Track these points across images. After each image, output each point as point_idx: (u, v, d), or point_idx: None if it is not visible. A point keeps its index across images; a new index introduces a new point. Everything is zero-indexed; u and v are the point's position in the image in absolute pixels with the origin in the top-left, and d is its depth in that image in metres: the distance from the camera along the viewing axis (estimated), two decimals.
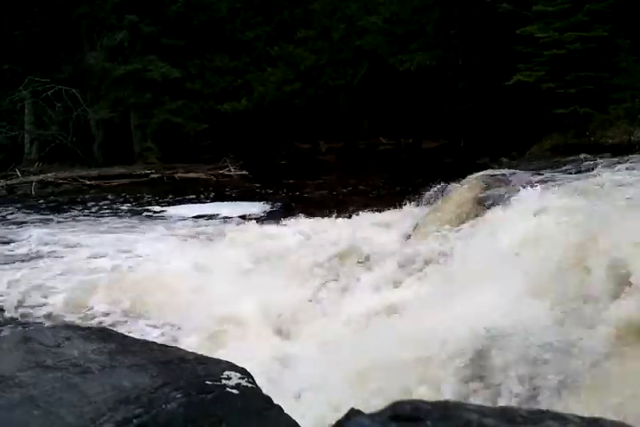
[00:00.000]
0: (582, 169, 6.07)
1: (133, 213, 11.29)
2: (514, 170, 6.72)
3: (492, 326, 3.10)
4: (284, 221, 8.35)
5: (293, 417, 1.74)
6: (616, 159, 6.24)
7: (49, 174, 15.07)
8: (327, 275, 5.85)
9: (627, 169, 5.16)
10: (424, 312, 3.85)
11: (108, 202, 12.59)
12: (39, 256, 7.79)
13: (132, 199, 12.83)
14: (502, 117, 12.32)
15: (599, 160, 6.40)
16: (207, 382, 1.78)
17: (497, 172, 6.68)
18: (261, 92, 16.29)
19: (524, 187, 5.12)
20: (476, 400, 2.86)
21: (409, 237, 6.24)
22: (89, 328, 2.43)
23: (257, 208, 11.02)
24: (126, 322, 5.36)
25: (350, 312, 4.88)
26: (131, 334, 2.61)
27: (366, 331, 4.22)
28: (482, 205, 5.34)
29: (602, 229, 3.39)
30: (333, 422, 1.16)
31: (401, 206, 7.88)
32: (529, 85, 9.71)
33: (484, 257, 4.21)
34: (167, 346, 2.23)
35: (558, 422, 1.09)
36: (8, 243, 8.58)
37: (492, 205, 5.11)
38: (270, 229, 8.22)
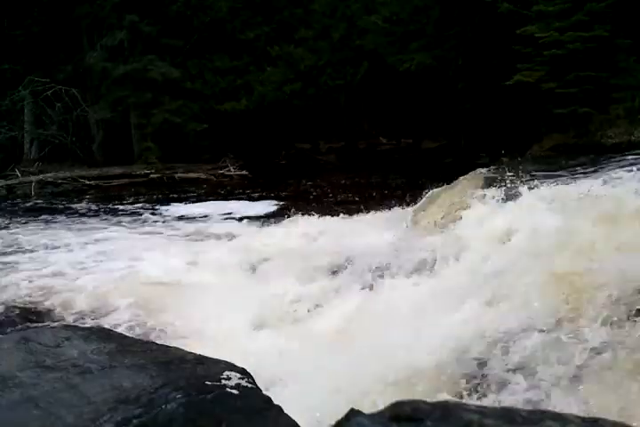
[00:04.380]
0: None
1: (133, 213, 11.29)
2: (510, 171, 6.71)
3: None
4: (283, 221, 8.36)
5: (293, 417, 1.74)
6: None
7: (48, 174, 15.07)
8: (322, 276, 5.84)
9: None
10: (409, 317, 3.84)
11: (107, 202, 12.59)
12: (38, 256, 7.78)
13: (131, 199, 12.83)
14: (502, 117, 12.32)
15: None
16: (207, 383, 1.78)
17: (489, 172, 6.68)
18: (261, 92, 16.30)
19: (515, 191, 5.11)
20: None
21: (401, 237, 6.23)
22: (89, 328, 2.43)
23: (257, 208, 11.02)
24: (122, 324, 5.34)
25: (343, 313, 4.87)
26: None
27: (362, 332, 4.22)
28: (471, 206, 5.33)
29: None
30: (333, 423, 1.16)
31: (400, 207, 7.89)
32: (529, 85, 9.71)
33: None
34: (167, 346, 2.23)
35: (558, 422, 1.08)
36: (5, 242, 8.57)
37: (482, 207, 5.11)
38: (269, 229, 8.23)
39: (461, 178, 6.66)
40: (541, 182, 5.05)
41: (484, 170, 6.69)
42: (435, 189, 6.84)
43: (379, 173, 14.02)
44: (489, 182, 5.74)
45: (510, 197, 4.89)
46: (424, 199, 6.83)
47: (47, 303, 5.91)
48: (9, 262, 7.43)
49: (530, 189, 4.83)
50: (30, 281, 6.55)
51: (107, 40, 15.89)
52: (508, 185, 5.23)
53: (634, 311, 2.86)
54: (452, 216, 5.43)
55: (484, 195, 5.20)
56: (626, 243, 3.32)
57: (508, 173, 5.63)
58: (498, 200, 5.00)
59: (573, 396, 2.58)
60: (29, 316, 5.67)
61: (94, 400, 1.65)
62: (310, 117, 17.42)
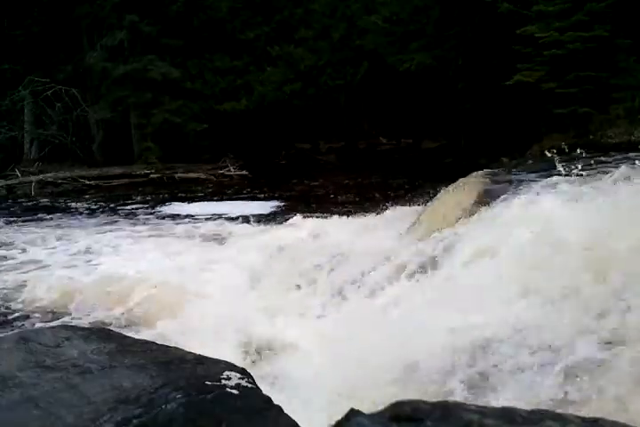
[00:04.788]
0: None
1: (133, 213, 11.29)
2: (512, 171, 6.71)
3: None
4: (283, 222, 8.36)
5: (293, 417, 1.74)
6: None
7: (48, 174, 15.08)
8: (321, 276, 5.83)
9: None
10: (414, 315, 3.84)
11: (107, 202, 12.59)
12: (37, 256, 7.78)
13: (131, 199, 12.84)
14: (502, 117, 12.32)
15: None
16: (207, 383, 1.78)
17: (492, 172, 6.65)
18: (261, 92, 16.30)
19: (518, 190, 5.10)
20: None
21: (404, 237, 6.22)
22: (89, 328, 2.43)
23: (256, 208, 11.01)
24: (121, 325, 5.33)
25: (344, 313, 4.87)
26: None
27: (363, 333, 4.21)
28: (477, 206, 5.32)
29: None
30: (333, 423, 1.16)
31: (399, 207, 7.88)
32: (529, 85, 9.71)
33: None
34: (167, 346, 2.23)
35: (558, 422, 1.09)
36: (5, 243, 8.58)
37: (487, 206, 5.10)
38: (269, 229, 8.22)
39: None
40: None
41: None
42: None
43: (379, 173, 14.02)
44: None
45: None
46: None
47: (14, 298, 5.97)
48: None
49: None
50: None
51: (107, 40, 15.89)
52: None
53: None
54: None
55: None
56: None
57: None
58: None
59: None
60: None
61: (94, 400, 1.65)
62: (310, 117, 17.42)
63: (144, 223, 10.04)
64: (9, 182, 14.68)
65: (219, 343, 4.17)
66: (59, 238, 8.66)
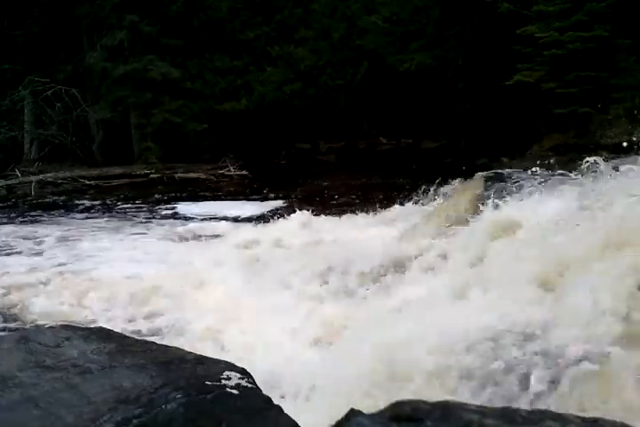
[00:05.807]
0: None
1: (132, 213, 11.29)
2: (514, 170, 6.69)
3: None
4: (282, 221, 8.36)
5: (293, 417, 1.74)
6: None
7: (48, 174, 15.07)
8: (322, 276, 5.83)
9: None
10: (417, 314, 3.84)
11: (107, 202, 12.59)
12: (36, 257, 7.78)
13: (131, 199, 12.83)
14: (502, 117, 12.32)
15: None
16: (207, 383, 1.78)
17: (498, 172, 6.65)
18: (261, 92, 16.31)
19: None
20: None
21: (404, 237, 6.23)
22: (89, 328, 2.43)
23: (256, 208, 11.01)
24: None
25: (346, 313, 4.86)
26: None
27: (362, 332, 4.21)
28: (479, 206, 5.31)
29: None
30: (333, 423, 1.16)
31: (400, 206, 7.89)
32: (529, 85, 9.72)
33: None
34: (167, 346, 2.23)
35: (558, 422, 1.09)
36: (5, 242, 8.58)
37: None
38: (268, 229, 8.22)
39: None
40: None
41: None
42: None
43: (379, 174, 14.02)
44: None
45: None
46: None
47: None
48: None
49: None
50: None
51: (107, 40, 15.89)
52: None
53: None
54: None
55: None
56: None
57: None
58: None
59: None
60: None
61: (94, 400, 1.65)
62: (310, 117, 17.42)
63: (143, 224, 10.03)
64: (9, 182, 14.67)
65: None
66: (56, 240, 8.65)
